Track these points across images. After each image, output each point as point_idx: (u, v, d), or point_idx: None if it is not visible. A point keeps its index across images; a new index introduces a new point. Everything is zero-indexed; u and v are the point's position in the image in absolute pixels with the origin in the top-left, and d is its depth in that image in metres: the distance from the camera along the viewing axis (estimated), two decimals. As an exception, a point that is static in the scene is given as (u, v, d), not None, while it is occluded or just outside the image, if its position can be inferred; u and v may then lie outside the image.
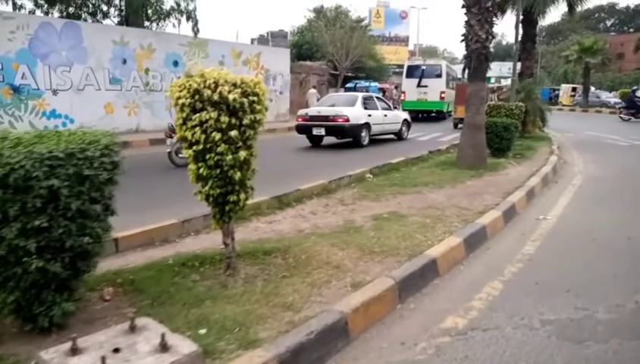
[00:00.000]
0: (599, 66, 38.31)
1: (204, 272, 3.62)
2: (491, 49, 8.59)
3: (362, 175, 7.69)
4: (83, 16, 16.53)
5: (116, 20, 16.67)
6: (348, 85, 27.45)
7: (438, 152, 10.74)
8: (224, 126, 3.12)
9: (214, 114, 3.10)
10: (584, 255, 4.58)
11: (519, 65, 17.12)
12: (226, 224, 3.47)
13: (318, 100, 25.08)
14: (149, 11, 16.63)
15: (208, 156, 3.18)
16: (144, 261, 3.83)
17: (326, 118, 12.49)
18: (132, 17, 15.71)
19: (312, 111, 13.14)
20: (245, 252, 3.95)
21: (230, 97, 3.09)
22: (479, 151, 8.76)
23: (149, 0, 15.93)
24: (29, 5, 15.90)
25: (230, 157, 3.16)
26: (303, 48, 36.94)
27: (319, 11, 42.16)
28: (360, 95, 14.01)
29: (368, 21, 51.74)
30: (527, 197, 6.67)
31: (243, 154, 3.20)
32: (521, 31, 16.92)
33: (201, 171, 3.23)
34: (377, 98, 14.77)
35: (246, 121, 3.19)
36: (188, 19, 15.38)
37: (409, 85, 25.11)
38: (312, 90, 25.24)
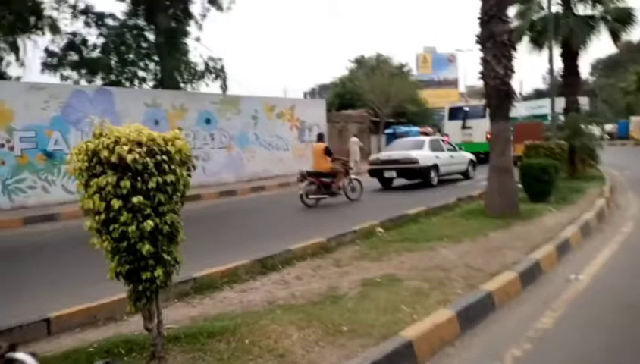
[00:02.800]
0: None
1: (128, 362, 3.09)
2: (512, 85, 7.83)
3: (371, 229, 7.01)
4: (123, 82, 17.33)
5: (151, 83, 17.35)
6: (387, 131, 27.01)
7: (469, 198, 9.83)
8: (124, 191, 2.68)
9: (112, 179, 2.67)
10: (614, 330, 3.64)
11: (563, 100, 16.01)
12: (145, 306, 2.95)
13: (360, 148, 24.99)
14: (184, 74, 17.20)
15: (112, 227, 2.73)
16: (70, 346, 3.37)
17: (397, 161, 13.65)
18: (166, 80, 16.28)
19: (383, 155, 14.39)
20: (187, 334, 3.38)
21: (129, 158, 2.65)
22: (509, 197, 7.85)
23: (182, 63, 16.45)
24: (75, 76, 16.90)
25: (133, 227, 2.69)
26: (345, 98, 37.28)
27: (360, 61, 42.68)
28: (427, 138, 15.32)
29: (416, 67, 51.93)
30: (557, 252, 5.70)
31: (150, 223, 2.72)
32: (562, 65, 15.97)
33: (105, 244, 2.78)
34: (443, 141, 15.69)
35: (151, 185, 2.73)
36: (216, 78, 15.74)
37: (452, 127, 24.33)
38: (354, 138, 24.97)
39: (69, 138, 12.78)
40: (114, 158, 2.67)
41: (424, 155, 13.81)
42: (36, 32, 17.84)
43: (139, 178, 2.71)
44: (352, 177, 11.77)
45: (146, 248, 2.74)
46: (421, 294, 4.20)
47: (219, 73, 15.78)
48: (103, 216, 2.73)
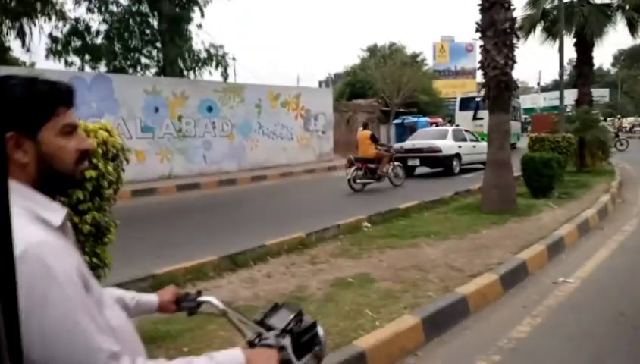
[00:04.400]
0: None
1: None
2: (513, 76, 7.44)
3: (357, 224, 6.74)
4: (126, 69, 17.21)
5: (154, 70, 17.20)
6: (395, 121, 26.54)
7: (467, 192, 9.48)
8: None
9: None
10: (598, 341, 3.35)
11: (575, 92, 15.45)
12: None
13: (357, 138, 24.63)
14: (187, 61, 16.99)
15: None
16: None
17: (420, 150, 14.08)
18: (168, 67, 16.09)
19: (407, 144, 14.69)
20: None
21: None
22: (506, 192, 7.50)
23: (184, 50, 16.23)
24: (78, 62, 16.83)
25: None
26: (356, 87, 36.85)
27: (372, 50, 42.04)
28: (450, 128, 15.75)
29: (433, 56, 50.94)
30: (549, 252, 5.38)
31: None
32: (574, 54, 15.38)
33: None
34: (466, 131, 15.92)
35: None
36: (217, 65, 15.49)
37: (462, 118, 23.81)
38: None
39: (67, 125, 12.66)
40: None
41: (447, 145, 14.22)
42: (41, 19, 17.81)
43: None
44: (396, 163, 12.23)
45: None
46: (390, 297, 3.94)
47: (220, 61, 15.50)
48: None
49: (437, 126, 26.72)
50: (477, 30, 7.53)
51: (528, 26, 15.54)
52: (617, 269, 5.02)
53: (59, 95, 1.08)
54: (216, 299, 1.47)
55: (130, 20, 16.79)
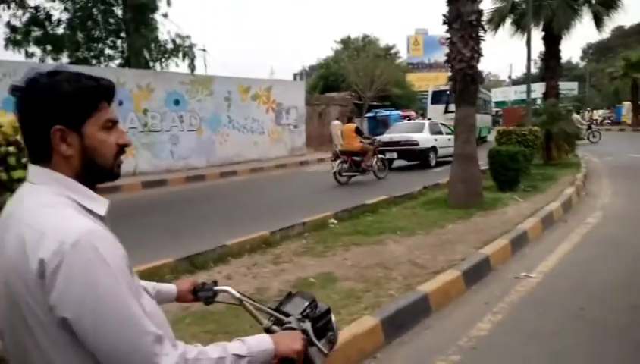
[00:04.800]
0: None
1: None
2: (479, 69, 7.43)
3: (323, 221, 6.63)
4: (89, 60, 16.62)
5: (118, 61, 16.66)
6: (368, 114, 26.54)
7: (435, 186, 9.49)
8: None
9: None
10: (557, 339, 3.32)
11: (542, 85, 15.66)
12: None
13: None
14: (153, 52, 16.50)
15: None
16: None
17: (397, 143, 14.24)
18: (133, 58, 15.61)
19: (385, 137, 14.65)
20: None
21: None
22: (473, 186, 7.52)
23: (150, 41, 15.74)
24: (39, 53, 16.17)
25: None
26: (329, 80, 36.66)
27: (346, 42, 41.91)
28: (427, 122, 16.08)
29: (407, 49, 51.09)
30: (512, 246, 5.39)
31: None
32: (543, 48, 15.59)
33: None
34: (442, 124, 16.10)
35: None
36: (184, 57, 15.10)
37: (434, 111, 23.93)
38: (336, 121, 24.41)
39: (25, 119, 12.11)
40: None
41: (424, 138, 14.49)
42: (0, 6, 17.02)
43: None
44: (379, 156, 12.35)
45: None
46: (352, 297, 3.85)
47: (187, 52, 15.11)
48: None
49: (409, 119, 26.87)
50: (444, 22, 7.49)
51: (498, 19, 15.67)
52: (579, 263, 5.05)
53: (102, 91, 1.11)
54: (232, 288, 1.54)
55: (94, 9, 16.19)
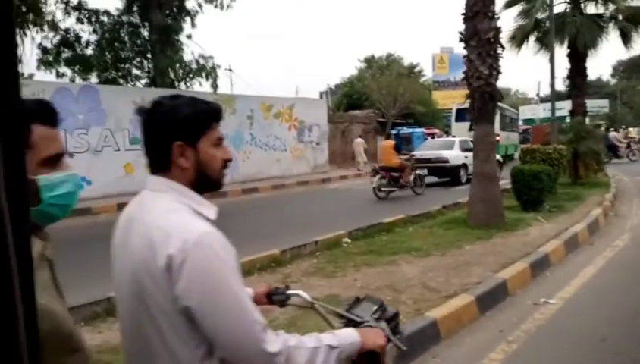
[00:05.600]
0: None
1: None
2: (497, 86, 7.25)
3: (337, 239, 6.50)
4: (118, 80, 17.09)
5: (144, 81, 17.06)
6: (391, 132, 26.34)
7: (455, 205, 9.25)
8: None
9: None
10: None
11: (569, 103, 15.28)
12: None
13: (365, 149, 24.43)
14: (180, 72, 16.86)
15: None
16: None
17: (428, 160, 14.28)
18: (158, 78, 15.97)
19: (416, 154, 14.72)
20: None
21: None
22: (493, 206, 7.28)
23: (174, 61, 16.09)
24: (69, 73, 16.73)
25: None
26: (353, 98, 36.73)
27: (369, 60, 42.06)
28: (457, 139, 16.09)
29: (432, 67, 50.94)
30: (532, 269, 5.14)
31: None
32: (569, 65, 15.24)
33: None
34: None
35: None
36: (207, 77, 15.36)
37: (458, 129, 23.62)
38: (358, 139, 24.49)
39: (53, 137, 12.48)
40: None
41: (454, 155, 14.59)
42: (33, 29, 17.73)
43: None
44: (417, 172, 12.64)
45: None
46: (357, 321, 3.70)
47: (210, 72, 15.37)
48: None
49: (433, 137, 26.59)
50: (460, 40, 7.37)
51: (521, 37, 15.41)
52: (602, 288, 4.78)
53: (213, 112, 1.28)
54: (303, 292, 1.64)
55: (121, 31, 16.69)
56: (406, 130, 25.79)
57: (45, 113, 1.07)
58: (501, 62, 7.38)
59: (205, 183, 1.26)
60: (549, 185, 8.93)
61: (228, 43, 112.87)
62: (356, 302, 1.50)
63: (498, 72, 7.18)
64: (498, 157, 16.38)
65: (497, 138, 22.71)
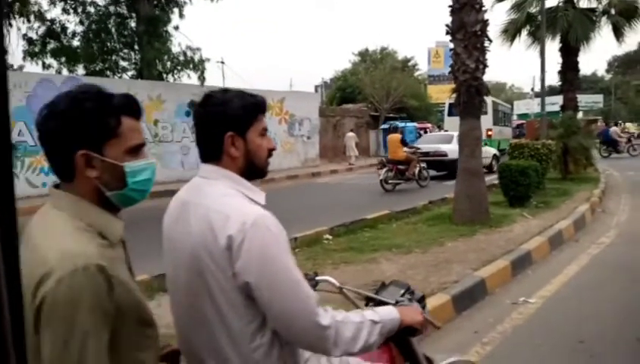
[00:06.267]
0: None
1: None
2: (484, 80, 7.12)
3: (318, 236, 6.37)
4: (105, 72, 16.79)
5: (131, 73, 16.78)
6: (383, 126, 26.22)
7: (442, 201, 9.12)
8: None
9: None
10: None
11: (560, 98, 15.18)
12: None
13: (356, 143, 24.25)
14: (168, 64, 16.58)
15: None
16: None
17: (427, 154, 14.13)
18: (145, 70, 15.71)
19: (414, 148, 14.78)
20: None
21: None
22: (478, 202, 7.16)
23: (162, 53, 15.81)
24: (56, 64, 16.40)
25: None
26: (346, 92, 36.53)
27: (363, 54, 41.82)
28: (455, 133, 17.23)
29: (428, 61, 50.73)
30: (513, 267, 5.04)
31: None
32: (560, 60, 15.14)
33: None
34: None
35: None
36: (194, 69, 15.12)
37: (451, 123, 23.50)
38: (350, 133, 24.32)
39: (34, 129, 12.20)
40: None
41: (452, 149, 14.84)
42: (19, 20, 17.37)
43: None
44: (422, 165, 12.89)
45: None
46: (328, 322, 3.57)
47: (197, 65, 15.13)
48: None
49: (425, 131, 26.43)
50: (447, 33, 7.22)
51: (513, 31, 15.28)
52: (584, 287, 4.67)
53: (260, 104, 1.37)
54: (332, 278, 1.72)
55: (108, 22, 16.39)
56: (399, 124, 25.57)
57: (132, 107, 1.16)
58: (492, 56, 7.27)
59: (253, 170, 1.35)
60: (536, 181, 8.83)
61: (221, 36, 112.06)
62: (383, 287, 1.58)
63: (485, 65, 7.04)
64: (495, 151, 16.61)
65: (490, 133, 22.83)
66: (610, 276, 4.99)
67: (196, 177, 1.38)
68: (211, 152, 1.33)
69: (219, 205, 1.24)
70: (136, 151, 1.16)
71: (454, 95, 7.28)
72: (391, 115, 30.03)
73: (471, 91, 7.01)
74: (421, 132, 25.62)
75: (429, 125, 29.38)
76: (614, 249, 6.06)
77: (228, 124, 1.30)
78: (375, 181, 12.70)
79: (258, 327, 1.23)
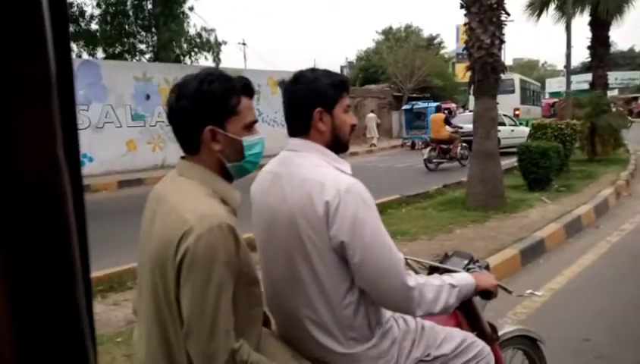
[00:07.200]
0: None
1: None
2: (500, 57, 6.71)
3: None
4: (124, 55, 16.85)
5: (148, 56, 16.77)
6: (405, 106, 25.64)
7: (457, 184, 8.78)
8: None
9: None
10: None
11: (589, 76, 14.41)
12: None
13: (377, 125, 23.81)
14: (185, 46, 16.50)
15: None
16: None
17: (469, 134, 14.15)
18: (162, 52, 15.65)
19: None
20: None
21: None
22: (492, 186, 6.83)
23: (178, 35, 15.69)
24: (75, 48, 16.52)
25: None
26: (369, 72, 35.85)
27: (387, 32, 40.79)
28: None
29: (456, 39, 49.29)
30: (523, 256, 4.75)
31: None
32: (590, 34, 14.34)
33: None
34: (504, 115, 16.13)
35: None
36: (209, 50, 14.96)
37: (477, 103, 22.80)
38: (371, 114, 23.93)
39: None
40: None
41: None
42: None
43: None
44: (464, 144, 12.85)
45: None
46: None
47: (212, 46, 14.96)
48: None
49: (449, 111, 25.68)
50: (461, 6, 6.81)
51: (540, 5, 14.51)
52: (598, 279, 4.36)
53: (345, 83, 1.48)
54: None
55: (125, 4, 16.35)
56: (421, 104, 25.00)
57: (248, 87, 1.30)
58: (523, 32, 6.98)
59: (337, 144, 1.45)
60: (558, 163, 8.39)
61: (243, 17, 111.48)
62: (446, 258, 1.66)
63: (502, 41, 6.62)
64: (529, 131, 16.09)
65: (517, 112, 22.04)
66: (628, 266, 4.66)
67: (284, 151, 1.48)
68: (300, 126, 1.43)
69: (313, 174, 1.34)
70: (250, 127, 1.30)
71: (467, 73, 6.89)
72: (415, 95, 29.33)
73: (486, 68, 6.62)
74: (445, 112, 24.92)
75: (453, 105, 28.57)
76: (636, 237, 5.68)
77: (317, 101, 1.39)
78: (393, 164, 12.44)
79: (349, 288, 1.33)
